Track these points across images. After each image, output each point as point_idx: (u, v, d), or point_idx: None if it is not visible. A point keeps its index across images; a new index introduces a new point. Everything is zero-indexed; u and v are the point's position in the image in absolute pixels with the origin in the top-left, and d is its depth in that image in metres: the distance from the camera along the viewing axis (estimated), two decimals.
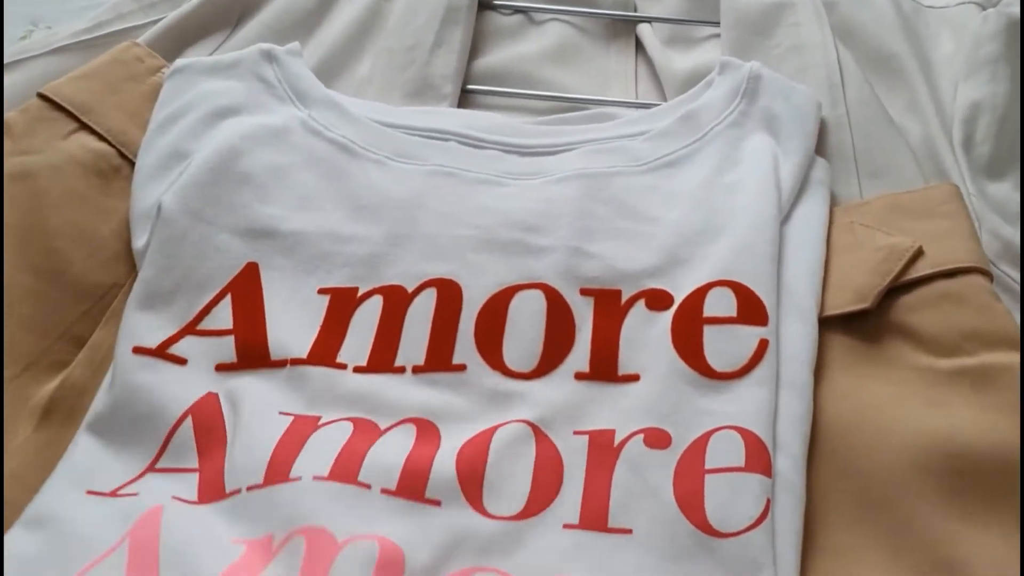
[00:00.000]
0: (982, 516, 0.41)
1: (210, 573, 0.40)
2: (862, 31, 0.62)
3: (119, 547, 0.42)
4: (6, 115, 0.56)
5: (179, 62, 0.58)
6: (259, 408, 0.46)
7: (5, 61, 0.62)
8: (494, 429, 0.44)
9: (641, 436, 0.43)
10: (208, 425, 0.46)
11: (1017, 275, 0.50)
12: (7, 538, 0.42)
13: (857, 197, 0.54)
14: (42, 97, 0.56)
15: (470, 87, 0.63)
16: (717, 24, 0.64)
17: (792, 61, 0.60)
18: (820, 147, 0.56)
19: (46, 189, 0.52)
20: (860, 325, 0.47)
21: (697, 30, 0.66)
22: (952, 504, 0.41)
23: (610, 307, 0.48)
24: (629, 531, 0.41)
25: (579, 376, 0.46)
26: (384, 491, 0.43)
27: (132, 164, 0.54)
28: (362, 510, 0.42)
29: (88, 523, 0.43)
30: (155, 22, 0.65)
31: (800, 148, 0.54)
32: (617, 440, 0.44)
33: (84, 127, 0.55)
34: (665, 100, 0.62)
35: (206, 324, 0.48)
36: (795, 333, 0.46)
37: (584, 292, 0.48)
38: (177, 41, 0.63)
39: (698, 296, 0.47)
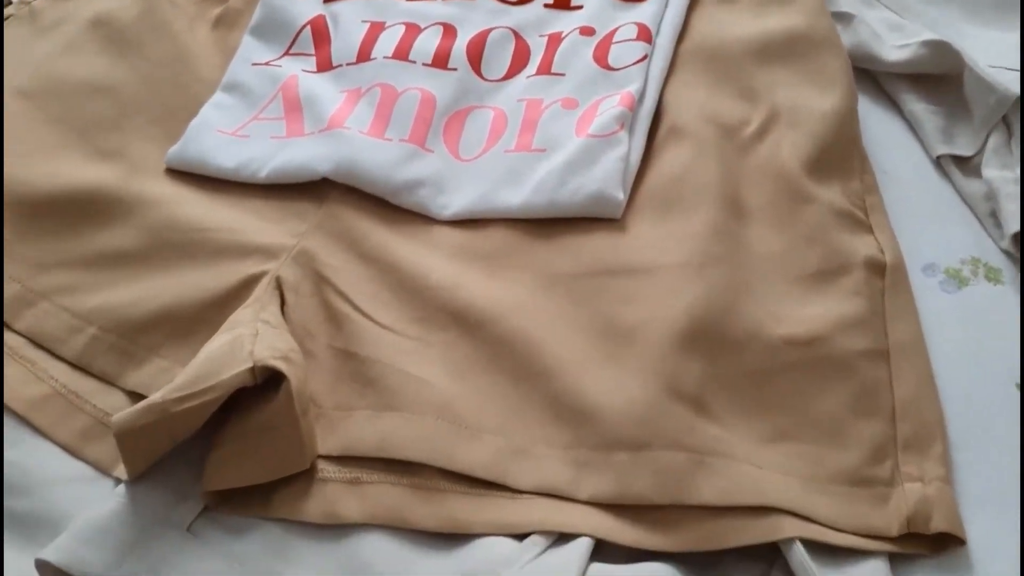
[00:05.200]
0: (781, 64, 0.69)
1: (329, 108, 0.69)
2: None
3: (276, 96, 0.71)
4: None
5: None
6: (350, 20, 0.75)
7: None
8: (490, 30, 0.73)
9: (577, 31, 0.72)
10: (320, 30, 0.75)
11: None
12: (215, 97, 0.70)
13: None
14: None
15: None
16: None
17: None
18: None
19: None
20: None
21: None
22: (763, 63, 0.69)
23: None
24: (563, 74, 0.70)
25: (546, 5, 0.75)
26: (423, 64, 0.71)
27: None
28: (411, 74, 0.71)
29: (255, 83, 0.72)
30: None
31: None
32: (564, 35, 0.72)
33: None
34: None
35: None
36: None
37: None
38: None
39: None
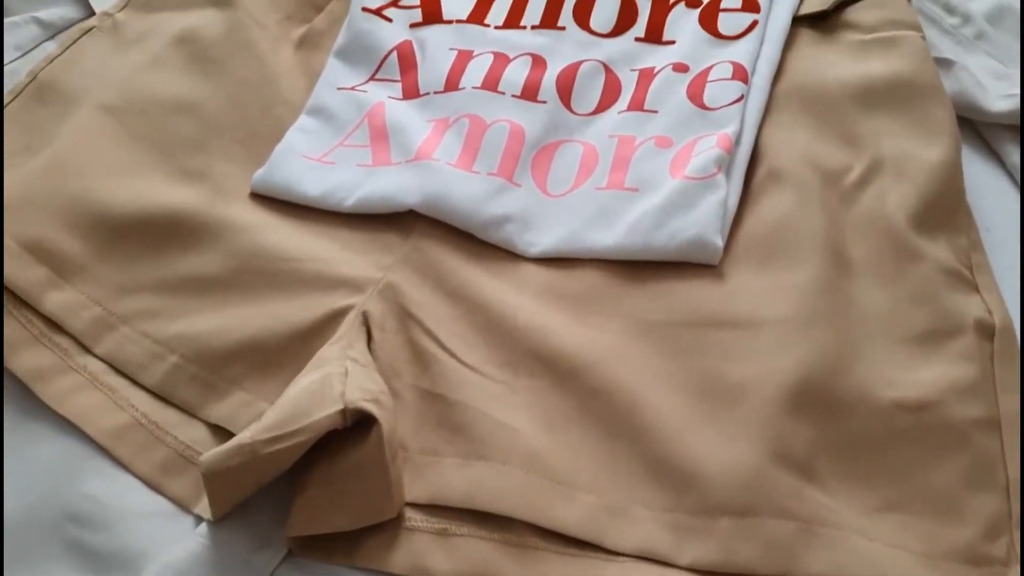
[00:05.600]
0: (885, 111, 0.67)
1: (416, 137, 0.68)
2: None
3: (362, 123, 0.70)
4: None
5: None
6: (437, 47, 0.73)
7: None
8: (581, 62, 0.71)
9: (670, 67, 0.70)
10: (406, 56, 0.73)
11: (937, 7, 0.75)
12: (300, 121, 0.69)
13: None
14: None
15: None
16: None
17: None
18: None
19: None
20: (822, 22, 0.73)
21: None
22: (865, 109, 0.67)
23: (662, 3, 0.74)
24: (656, 111, 0.68)
25: (638, 39, 0.73)
26: (513, 96, 0.70)
27: None
28: (500, 106, 0.69)
29: (341, 107, 0.70)
30: None
31: None
32: (656, 71, 0.70)
33: None
34: None
35: (403, 1, 0.76)
36: (780, 18, 0.72)
37: None
38: None
39: None
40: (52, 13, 0.80)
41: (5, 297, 0.61)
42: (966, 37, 0.75)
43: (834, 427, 0.53)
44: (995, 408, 0.55)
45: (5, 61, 0.76)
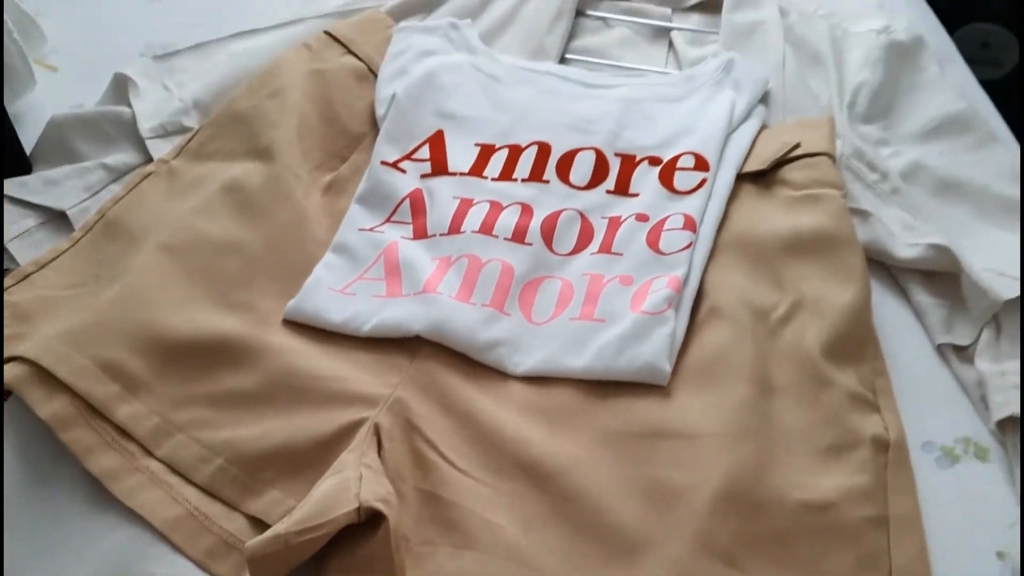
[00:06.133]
0: (808, 259, 0.80)
1: (423, 273, 0.81)
2: (804, 40, 1.02)
3: (378, 259, 0.84)
4: (309, 40, 0.99)
5: (401, 24, 1.02)
6: (443, 195, 0.88)
7: (293, 17, 1.06)
8: (561, 211, 0.85)
9: (634, 216, 0.84)
10: (417, 202, 0.88)
11: (862, 165, 0.90)
12: (326, 257, 0.83)
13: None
14: (327, 33, 0.99)
15: (567, 56, 1.05)
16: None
17: (757, 53, 1.00)
18: (764, 99, 0.96)
19: (331, 80, 0.96)
20: (761, 178, 0.87)
21: (707, 36, 1.07)
22: (792, 256, 0.80)
23: (629, 162, 0.89)
24: (621, 254, 0.82)
25: (608, 192, 0.87)
26: (504, 239, 0.84)
27: (374, 75, 0.97)
28: (494, 247, 0.83)
29: (360, 246, 0.84)
30: (381, 4, 1.08)
31: (749, 98, 0.93)
32: (623, 219, 0.84)
33: (350, 52, 0.98)
34: None
35: (416, 156, 0.90)
36: (724, 177, 0.86)
37: (616, 154, 0.89)
38: (397, 13, 1.06)
39: (675, 159, 0.88)
40: (117, 159, 0.94)
41: (84, 407, 0.74)
42: (884, 191, 0.89)
43: (753, 523, 0.66)
44: (885, 508, 0.68)
45: (78, 201, 0.91)
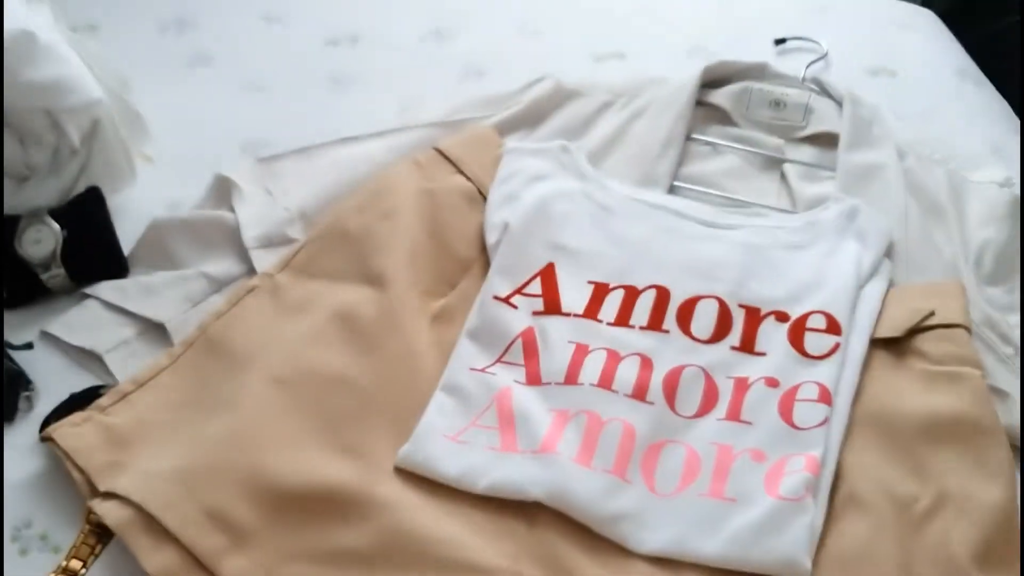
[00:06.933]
0: (949, 447, 0.76)
1: (541, 428, 0.78)
2: (925, 188, 0.99)
3: (491, 405, 0.80)
4: (419, 155, 0.96)
5: (511, 144, 0.99)
6: (557, 338, 0.84)
7: (400, 126, 1.03)
8: (683, 367, 0.82)
9: (763, 380, 0.81)
10: (530, 343, 0.84)
11: (994, 335, 0.87)
12: (437, 398, 0.80)
13: (906, 283, 0.91)
14: (437, 150, 0.97)
15: (676, 183, 1.01)
16: (834, 170, 1.02)
17: (878, 201, 0.97)
18: (888, 253, 0.93)
19: (441, 201, 0.92)
20: (894, 346, 0.84)
21: (820, 172, 1.04)
22: (931, 442, 0.77)
23: (753, 316, 0.85)
24: (751, 423, 0.78)
25: (733, 348, 0.84)
26: (625, 395, 0.80)
27: (484, 197, 0.94)
28: (614, 404, 0.80)
29: (472, 388, 0.81)
30: (485, 117, 1.05)
31: (875, 253, 0.90)
32: (750, 382, 0.81)
33: (460, 172, 0.95)
34: (796, 211, 0.99)
35: (528, 290, 0.87)
36: (856, 343, 0.83)
37: (740, 305, 0.86)
38: (503, 128, 1.04)
39: (804, 317, 0.84)
40: (219, 268, 0.91)
41: (190, 558, 0.70)
42: (1019, 367, 0.86)
43: None
44: None
45: (178, 312, 0.87)
